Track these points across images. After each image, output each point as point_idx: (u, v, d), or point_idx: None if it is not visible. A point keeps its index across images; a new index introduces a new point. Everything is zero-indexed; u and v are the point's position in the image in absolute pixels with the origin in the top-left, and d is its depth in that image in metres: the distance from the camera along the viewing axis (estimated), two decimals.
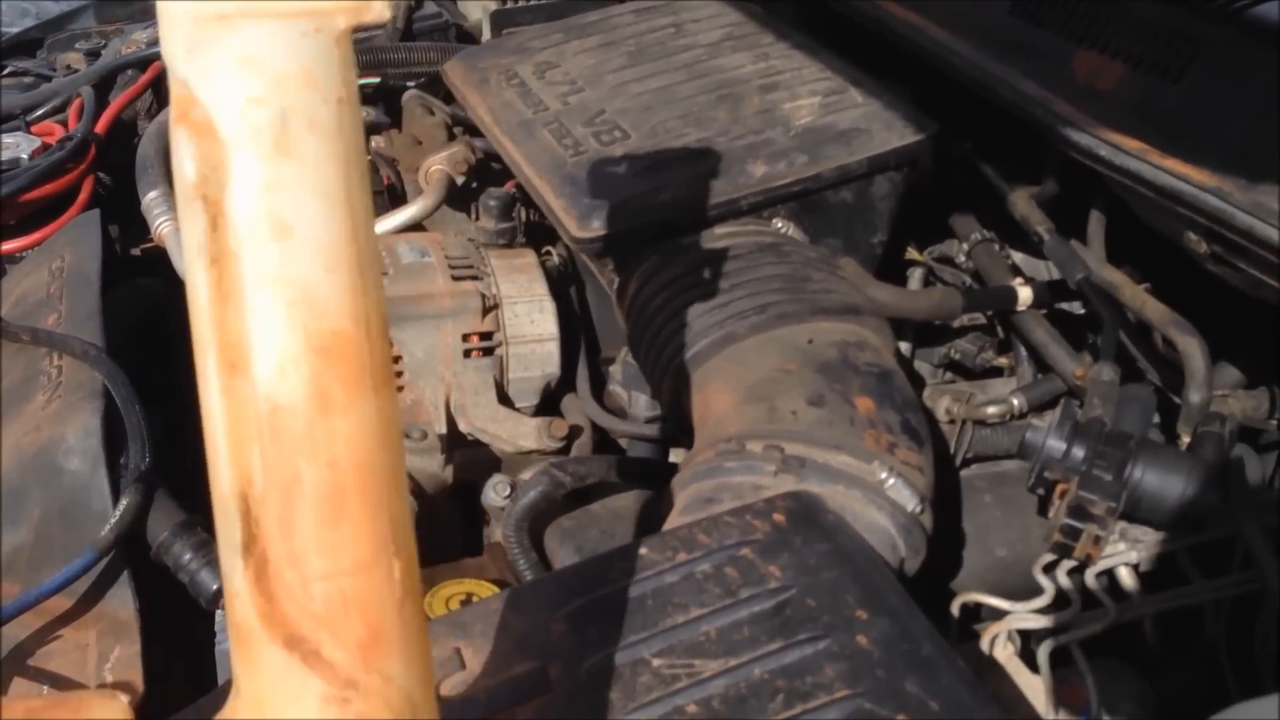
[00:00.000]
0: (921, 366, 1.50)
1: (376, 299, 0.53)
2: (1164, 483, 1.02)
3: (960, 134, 1.55)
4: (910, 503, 1.00)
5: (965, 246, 1.51)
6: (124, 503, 1.08)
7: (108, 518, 1.08)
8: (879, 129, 1.39)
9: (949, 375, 1.52)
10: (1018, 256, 1.53)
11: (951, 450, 1.38)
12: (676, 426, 1.23)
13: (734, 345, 1.18)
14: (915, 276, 1.50)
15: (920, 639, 0.85)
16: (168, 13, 0.50)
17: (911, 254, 1.55)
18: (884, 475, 1.01)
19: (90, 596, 1.11)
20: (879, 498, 1.00)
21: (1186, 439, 1.12)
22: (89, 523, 1.10)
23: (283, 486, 0.52)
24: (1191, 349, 1.14)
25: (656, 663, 0.86)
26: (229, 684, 0.56)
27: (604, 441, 1.49)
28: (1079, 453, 1.04)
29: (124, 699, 0.68)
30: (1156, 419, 1.26)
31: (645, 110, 1.50)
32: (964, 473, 1.37)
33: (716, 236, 1.32)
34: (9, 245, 1.74)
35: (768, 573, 0.91)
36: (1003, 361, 1.48)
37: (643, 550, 0.95)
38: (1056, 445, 1.05)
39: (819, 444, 1.03)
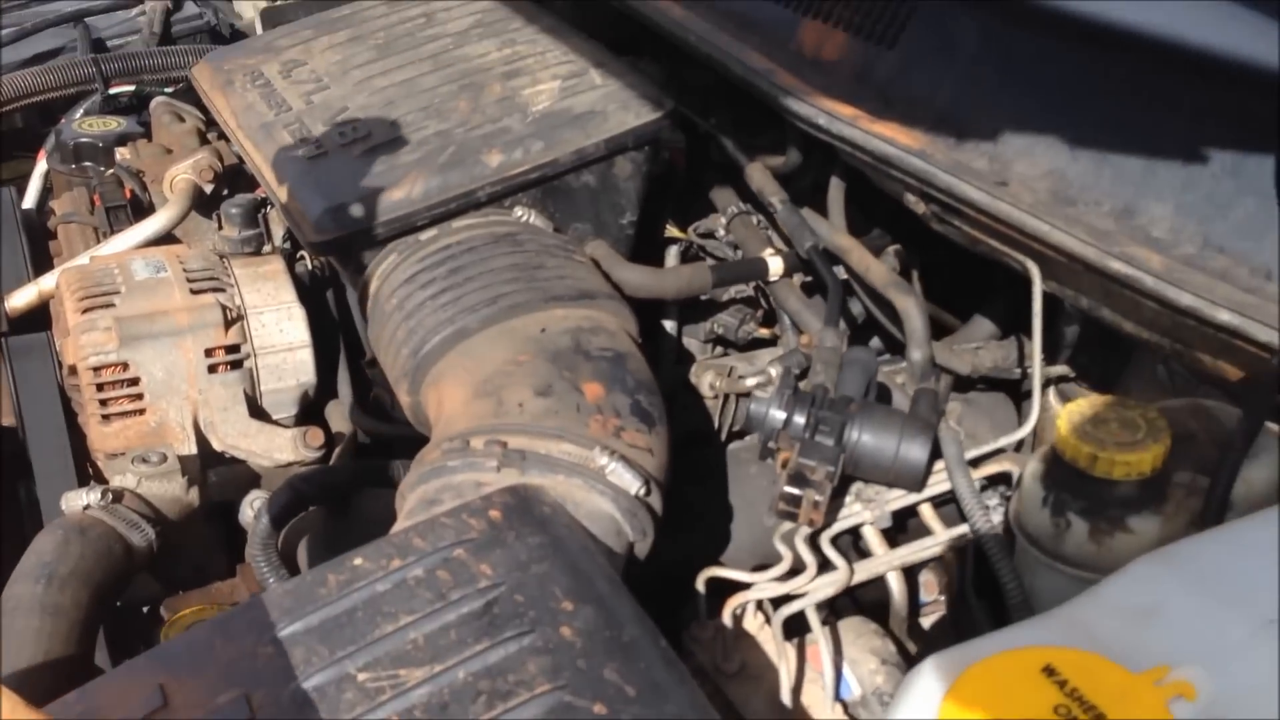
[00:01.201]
0: (690, 343, 1.51)
1: None
2: (879, 443, 1.04)
3: (712, 109, 1.56)
4: (633, 486, 1.00)
5: (724, 220, 1.52)
6: None
7: None
8: (615, 110, 1.39)
9: (719, 350, 1.53)
10: None
11: (716, 425, 1.39)
12: (418, 429, 1.20)
13: (466, 340, 1.16)
14: (672, 254, 1.50)
15: (624, 624, 0.85)
16: None
17: (672, 231, 1.56)
18: (604, 461, 1.00)
19: None
20: (600, 483, 0.99)
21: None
22: None
23: None
24: (909, 308, 1.17)
25: (361, 677, 0.84)
26: None
27: (373, 445, 1.46)
28: (799, 420, 1.05)
29: None
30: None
31: (388, 105, 1.47)
32: (730, 446, 1.38)
33: (453, 230, 1.30)
34: None
35: (479, 572, 0.90)
36: (765, 332, 1.50)
37: (357, 561, 0.92)
38: (777, 415, 1.06)
39: (541, 435, 1.02)
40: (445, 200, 1.31)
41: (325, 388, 1.45)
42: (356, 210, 1.31)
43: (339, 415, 1.44)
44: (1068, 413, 0.92)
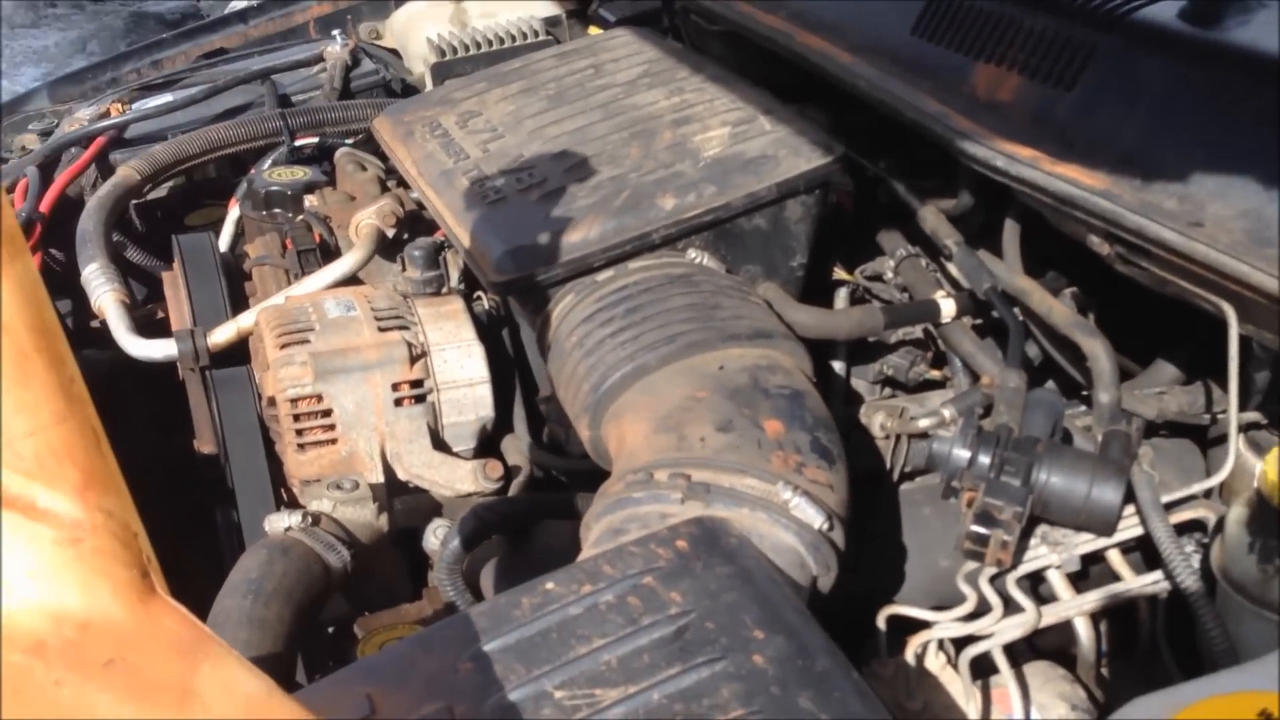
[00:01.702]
0: (859, 384, 1.51)
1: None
2: (1069, 485, 1.03)
3: (879, 153, 1.57)
4: (817, 520, 1.01)
5: (892, 263, 1.52)
6: None
7: None
8: (786, 155, 1.41)
9: (888, 391, 1.53)
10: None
11: (889, 465, 1.39)
12: (597, 462, 1.24)
13: (646, 377, 1.19)
14: (841, 295, 1.51)
15: (816, 654, 0.86)
16: None
17: (839, 274, 1.57)
18: (788, 495, 1.01)
19: None
20: (785, 518, 1.01)
21: (1099, 438, 1.13)
22: None
23: None
24: (1096, 351, 1.15)
25: (558, 695, 0.87)
26: None
27: (546, 478, 1.50)
28: (984, 460, 1.05)
29: None
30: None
31: (561, 152, 1.53)
32: (903, 487, 1.37)
33: (630, 271, 1.34)
34: None
35: (669, 599, 0.92)
36: (935, 374, 1.49)
37: (549, 585, 0.95)
38: (962, 454, 1.05)
39: (725, 469, 1.04)
40: (621, 242, 1.36)
41: (501, 422, 1.49)
42: (536, 252, 1.36)
43: (514, 449, 1.49)
44: (1274, 458, 0.89)
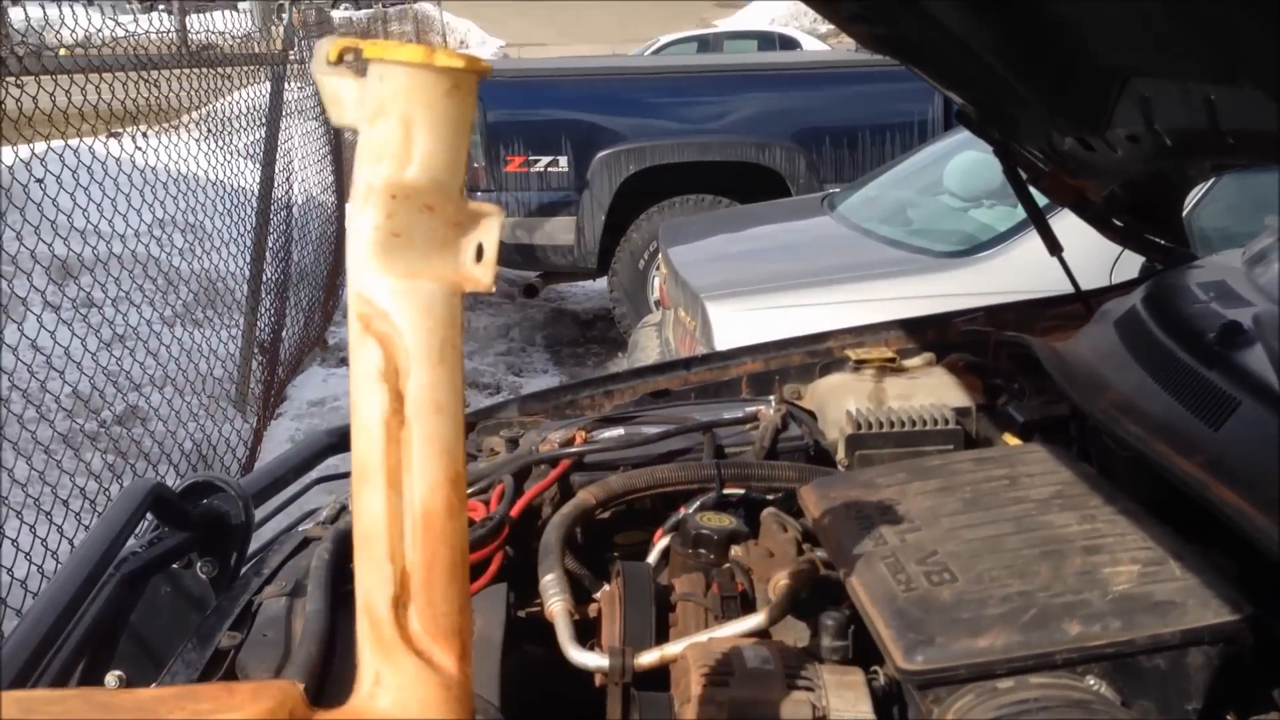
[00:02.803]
0: None
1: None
2: None
3: None
4: None
5: None
6: None
7: None
8: (1194, 604, 1.51)
9: None
10: None
11: None
12: None
13: None
14: None
15: None
16: (370, 265, 0.86)
17: None
18: None
19: None
20: None
21: None
22: None
23: (427, 561, 0.88)
24: None
25: None
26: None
27: None
28: None
29: (300, 685, 0.89)
30: None
31: (973, 556, 1.70)
32: None
33: (1030, 686, 1.46)
34: None
35: None
36: None
37: None
38: None
39: None
40: (1025, 657, 1.49)
41: None
42: (943, 649, 1.52)
43: None
44: None
